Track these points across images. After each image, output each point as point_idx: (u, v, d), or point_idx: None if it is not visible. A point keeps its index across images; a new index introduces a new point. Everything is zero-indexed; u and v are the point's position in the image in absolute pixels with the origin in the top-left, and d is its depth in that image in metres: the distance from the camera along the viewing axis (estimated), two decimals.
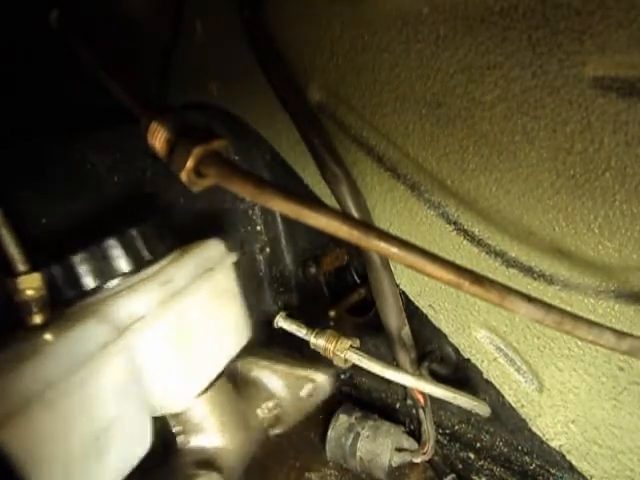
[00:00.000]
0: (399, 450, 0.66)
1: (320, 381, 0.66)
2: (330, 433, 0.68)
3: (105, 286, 0.50)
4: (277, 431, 0.67)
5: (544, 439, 0.59)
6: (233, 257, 0.61)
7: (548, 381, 0.57)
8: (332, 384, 0.67)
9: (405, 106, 0.57)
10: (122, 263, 0.51)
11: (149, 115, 0.41)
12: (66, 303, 0.49)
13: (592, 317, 0.49)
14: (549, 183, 0.50)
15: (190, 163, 0.36)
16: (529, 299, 0.33)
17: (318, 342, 0.58)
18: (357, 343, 0.58)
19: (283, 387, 0.67)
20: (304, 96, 0.64)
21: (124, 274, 0.51)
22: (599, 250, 0.48)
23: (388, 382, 0.70)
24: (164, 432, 0.56)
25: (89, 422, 0.43)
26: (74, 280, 0.48)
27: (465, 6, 0.49)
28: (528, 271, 0.54)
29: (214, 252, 0.59)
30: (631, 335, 0.36)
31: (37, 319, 0.44)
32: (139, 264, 0.52)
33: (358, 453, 0.66)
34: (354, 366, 0.59)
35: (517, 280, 0.54)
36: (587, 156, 0.46)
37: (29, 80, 0.64)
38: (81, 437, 0.42)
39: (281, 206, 0.32)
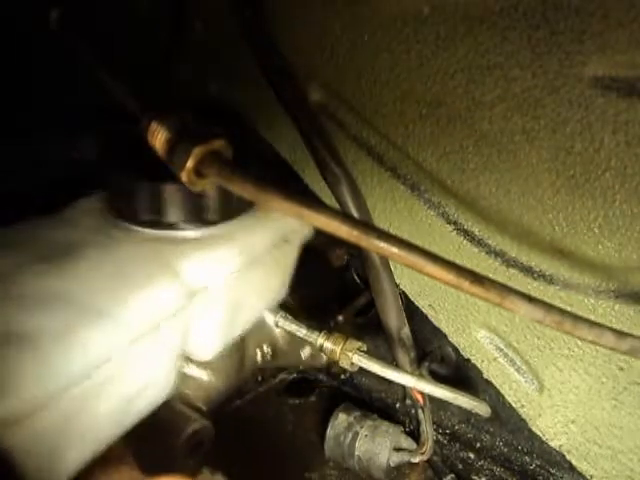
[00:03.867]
0: (397, 450, 0.66)
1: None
2: (329, 432, 0.68)
3: (181, 225, 0.47)
4: (265, 367, 0.66)
5: (544, 439, 0.59)
6: (309, 231, 0.58)
7: (548, 381, 0.56)
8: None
9: (405, 106, 0.57)
10: (211, 209, 0.48)
11: (149, 115, 0.41)
12: (136, 223, 0.47)
13: (592, 317, 0.49)
14: (549, 183, 0.50)
15: (190, 163, 0.37)
16: (529, 299, 0.33)
17: (325, 344, 0.58)
18: (365, 347, 0.58)
19: (285, 338, 0.65)
20: (304, 96, 0.64)
21: (206, 222, 0.48)
22: (599, 250, 0.48)
23: (388, 382, 0.70)
24: None
25: (130, 389, 0.40)
26: (155, 205, 0.46)
27: (465, 6, 0.49)
28: (528, 271, 0.54)
29: (294, 221, 0.55)
30: (631, 335, 0.36)
31: None
32: (223, 215, 0.49)
33: (356, 452, 0.66)
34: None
35: (517, 280, 0.54)
36: (587, 156, 0.46)
37: (29, 80, 0.64)
38: (117, 403, 0.39)
39: (281, 206, 0.32)
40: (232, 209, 0.50)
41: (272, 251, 0.52)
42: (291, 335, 0.62)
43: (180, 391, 0.53)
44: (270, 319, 0.62)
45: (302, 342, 0.62)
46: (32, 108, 0.64)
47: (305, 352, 0.64)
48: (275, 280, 0.58)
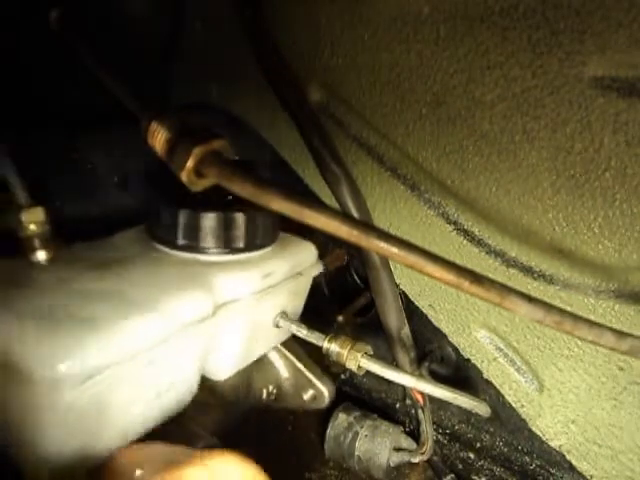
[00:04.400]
0: (397, 450, 0.66)
1: (323, 392, 0.69)
2: (329, 432, 0.68)
3: (214, 250, 0.53)
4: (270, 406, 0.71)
5: (544, 439, 0.59)
6: (320, 268, 0.64)
7: (548, 381, 0.57)
8: (331, 398, 0.70)
9: (405, 106, 0.57)
10: (238, 238, 0.54)
11: (149, 115, 0.41)
12: (173, 247, 0.53)
13: (592, 317, 0.49)
14: (549, 183, 0.50)
15: (190, 163, 0.37)
16: (529, 299, 0.33)
17: (332, 347, 0.57)
18: (371, 350, 0.58)
19: (290, 380, 0.69)
20: (304, 96, 0.64)
21: (235, 249, 0.54)
22: (599, 250, 0.48)
23: (388, 382, 0.70)
24: None
25: (160, 382, 0.45)
26: (192, 232, 0.52)
27: (465, 6, 0.49)
28: (528, 271, 0.54)
29: (307, 258, 0.62)
30: (631, 335, 0.36)
31: (40, 255, 0.44)
32: (250, 245, 0.55)
33: (356, 452, 0.66)
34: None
35: (517, 280, 0.54)
36: (587, 156, 0.46)
37: (29, 79, 0.64)
38: (149, 393, 0.44)
39: (281, 206, 0.32)
40: (257, 242, 0.56)
41: (289, 281, 0.58)
42: (295, 378, 0.68)
43: (189, 414, 0.57)
44: (278, 362, 0.68)
45: (305, 385, 0.68)
46: (32, 107, 0.64)
47: (307, 395, 0.68)
48: (290, 309, 0.61)
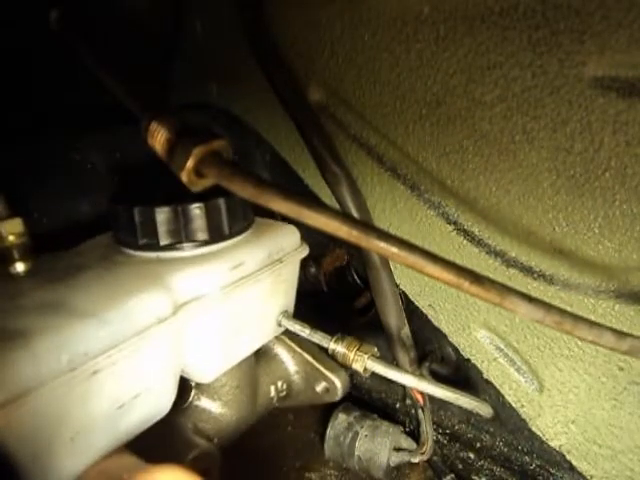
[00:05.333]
0: (397, 450, 0.66)
1: (335, 383, 0.66)
2: (329, 432, 0.68)
3: (176, 246, 0.49)
4: (281, 406, 0.68)
5: (544, 439, 0.59)
6: (305, 252, 0.59)
7: (548, 381, 0.57)
8: (345, 389, 0.67)
9: (405, 106, 0.57)
10: (200, 230, 0.50)
11: (149, 115, 0.41)
12: (136, 248, 0.50)
13: (592, 317, 0.49)
14: (549, 183, 0.50)
15: (190, 163, 0.37)
16: (529, 299, 0.33)
17: (337, 348, 0.57)
18: (377, 353, 0.57)
19: (300, 374, 0.66)
20: (304, 96, 0.64)
21: (199, 242, 0.50)
22: (599, 250, 0.48)
23: (388, 382, 0.70)
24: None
25: (119, 393, 0.42)
26: (150, 229, 0.48)
27: (465, 6, 0.49)
28: (528, 271, 0.54)
29: (288, 242, 0.57)
30: (631, 335, 0.36)
31: (19, 267, 0.43)
32: (216, 236, 0.51)
33: (356, 452, 0.66)
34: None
35: (517, 280, 0.55)
36: (587, 156, 0.46)
37: (29, 80, 0.64)
38: (106, 406, 0.41)
39: (281, 206, 0.32)
40: (224, 231, 0.52)
41: (267, 271, 0.54)
42: (305, 371, 0.64)
43: (191, 422, 0.56)
44: (285, 355, 0.64)
45: (317, 377, 0.64)
46: (32, 108, 0.64)
47: (320, 387, 0.65)
48: (275, 300, 0.58)
